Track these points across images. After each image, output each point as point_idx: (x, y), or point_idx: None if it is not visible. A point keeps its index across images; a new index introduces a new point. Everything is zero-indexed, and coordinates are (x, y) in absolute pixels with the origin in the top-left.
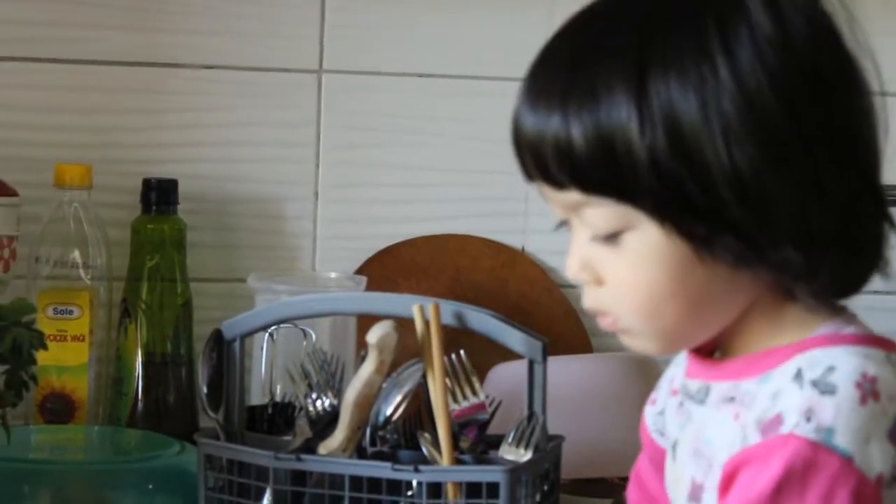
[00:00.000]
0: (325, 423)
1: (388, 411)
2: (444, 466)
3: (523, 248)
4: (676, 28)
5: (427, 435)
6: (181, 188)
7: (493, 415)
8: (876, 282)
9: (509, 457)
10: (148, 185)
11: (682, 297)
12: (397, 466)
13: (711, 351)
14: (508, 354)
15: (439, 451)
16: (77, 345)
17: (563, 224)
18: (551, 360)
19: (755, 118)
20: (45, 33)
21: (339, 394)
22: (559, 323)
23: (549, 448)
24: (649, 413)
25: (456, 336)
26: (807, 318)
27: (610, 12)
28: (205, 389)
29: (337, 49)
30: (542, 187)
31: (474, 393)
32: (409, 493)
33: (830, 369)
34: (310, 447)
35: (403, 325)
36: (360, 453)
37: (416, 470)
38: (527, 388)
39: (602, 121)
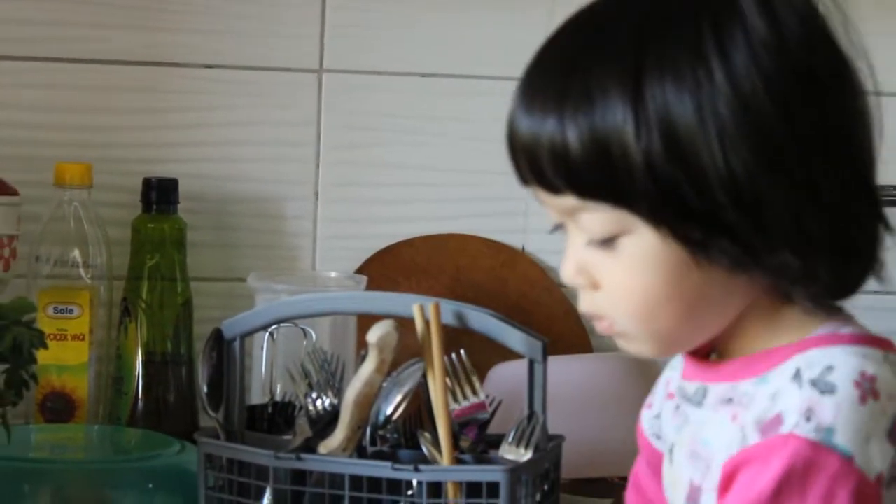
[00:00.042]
0: (326, 422)
1: (389, 411)
2: (445, 466)
3: (523, 248)
4: (672, 31)
5: (427, 434)
6: (181, 187)
7: (493, 414)
8: (873, 282)
9: (509, 456)
10: (148, 184)
11: (679, 301)
12: (397, 466)
13: (707, 353)
14: (508, 354)
15: (439, 451)
16: (77, 344)
17: (559, 227)
18: (551, 359)
19: (751, 121)
20: (45, 32)
21: (339, 393)
22: (559, 322)
23: (549, 448)
24: (646, 417)
25: (456, 336)
26: (804, 320)
27: (606, 15)
28: (205, 389)
29: (337, 48)
30: (537, 192)
31: (474, 392)
32: (410, 492)
33: (829, 369)
34: (310, 446)
35: (404, 324)
36: (361, 453)
37: (417, 469)
38: (527, 388)
39: (598, 124)
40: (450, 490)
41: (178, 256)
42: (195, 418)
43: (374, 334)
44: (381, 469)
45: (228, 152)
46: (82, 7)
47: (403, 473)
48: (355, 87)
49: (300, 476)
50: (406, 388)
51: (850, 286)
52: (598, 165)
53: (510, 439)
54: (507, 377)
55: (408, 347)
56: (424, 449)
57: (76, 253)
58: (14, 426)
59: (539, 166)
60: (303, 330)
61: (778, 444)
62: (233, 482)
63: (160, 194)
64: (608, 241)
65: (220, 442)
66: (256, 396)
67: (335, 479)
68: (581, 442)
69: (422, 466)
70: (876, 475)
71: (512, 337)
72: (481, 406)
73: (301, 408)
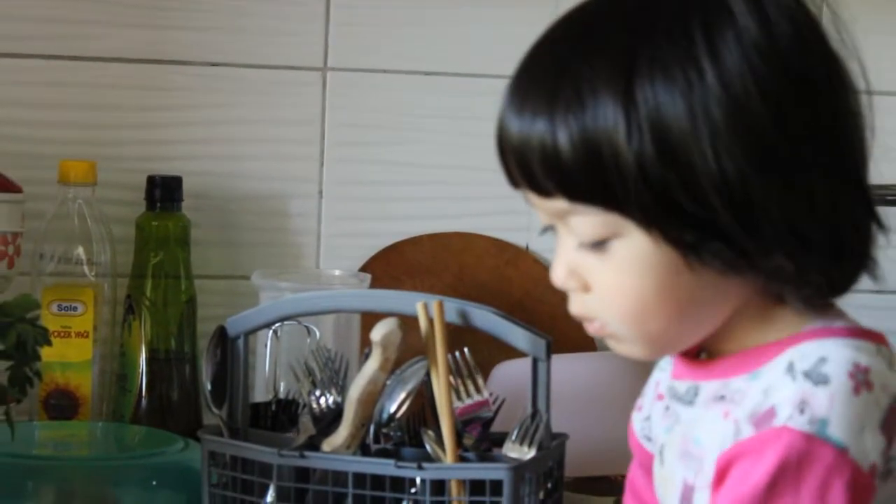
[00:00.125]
0: (329, 420)
1: (392, 408)
2: (448, 464)
3: (527, 246)
4: (663, 32)
5: (431, 432)
6: (185, 185)
7: (496, 412)
8: (868, 281)
9: (513, 454)
10: (152, 181)
11: (670, 303)
12: (401, 464)
13: (697, 352)
14: (512, 352)
15: (443, 449)
16: (81, 341)
17: (549, 229)
18: (555, 357)
19: (742, 122)
20: (49, 30)
21: (342, 391)
22: (563, 321)
23: (552, 446)
24: (636, 419)
25: (460, 334)
26: (796, 317)
27: (597, 16)
28: (209, 386)
29: (342, 46)
30: (527, 194)
31: (478, 390)
32: (413, 490)
33: (822, 360)
34: (313, 444)
35: (407, 322)
36: (364, 450)
37: (420, 467)
38: (530, 386)
39: (588, 126)
40: (453, 488)
41: (181, 254)
42: (199, 416)
43: (377, 332)
44: (385, 467)
45: (232, 150)
46: (86, 5)
47: (407, 471)
48: (359, 85)
49: (304, 473)
50: (410, 386)
51: (843, 285)
52: (588, 168)
53: (514, 437)
54: (510, 375)
55: (411, 345)
56: (428, 447)
57: (80, 250)
58: (18, 423)
59: (529, 169)
60: (306, 328)
61: (772, 436)
62: (236, 479)
63: (164, 192)
64: (599, 244)
65: (223, 439)
66: (260, 394)
67: (338, 477)
68: (584, 440)
69: (425, 464)
70: (870, 466)
71: (515, 335)
72: (485, 404)
73: (305, 405)
